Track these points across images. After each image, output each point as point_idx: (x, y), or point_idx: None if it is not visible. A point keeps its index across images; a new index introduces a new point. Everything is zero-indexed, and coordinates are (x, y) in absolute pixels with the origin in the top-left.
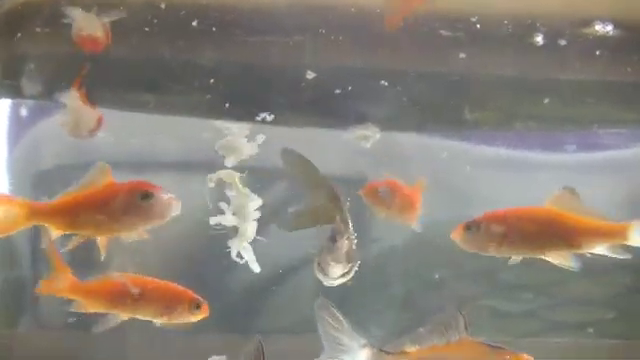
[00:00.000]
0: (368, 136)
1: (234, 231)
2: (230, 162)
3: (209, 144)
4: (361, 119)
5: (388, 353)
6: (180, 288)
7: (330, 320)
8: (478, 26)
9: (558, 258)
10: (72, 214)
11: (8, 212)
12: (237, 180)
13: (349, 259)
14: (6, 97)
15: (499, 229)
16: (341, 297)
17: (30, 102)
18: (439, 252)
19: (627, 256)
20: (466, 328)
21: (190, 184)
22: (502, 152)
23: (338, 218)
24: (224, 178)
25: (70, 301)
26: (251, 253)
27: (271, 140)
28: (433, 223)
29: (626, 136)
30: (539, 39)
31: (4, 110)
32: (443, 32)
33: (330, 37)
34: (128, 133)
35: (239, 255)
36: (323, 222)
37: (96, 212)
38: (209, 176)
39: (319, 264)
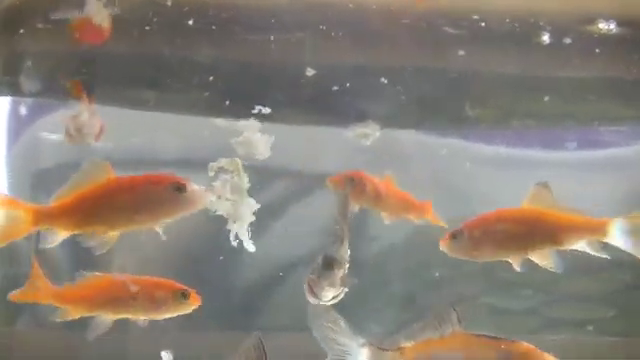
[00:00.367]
0: (368, 134)
1: (232, 216)
2: (247, 159)
3: (208, 141)
4: (361, 117)
5: (386, 350)
6: (162, 280)
7: (327, 323)
8: (479, 23)
9: (541, 258)
10: (87, 212)
11: (12, 217)
12: (240, 165)
13: (342, 284)
14: (6, 94)
15: (483, 234)
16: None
17: (30, 100)
18: (439, 250)
19: (605, 255)
20: (459, 322)
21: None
22: (502, 150)
23: (338, 245)
24: (225, 166)
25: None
26: (246, 234)
27: (273, 138)
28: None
29: (627, 133)
30: (540, 37)
31: (4, 107)
32: (444, 29)
33: (330, 34)
34: (127, 131)
35: (237, 237)
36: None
37: (118, 207)
38: (210, 165)
39: (310, 286)
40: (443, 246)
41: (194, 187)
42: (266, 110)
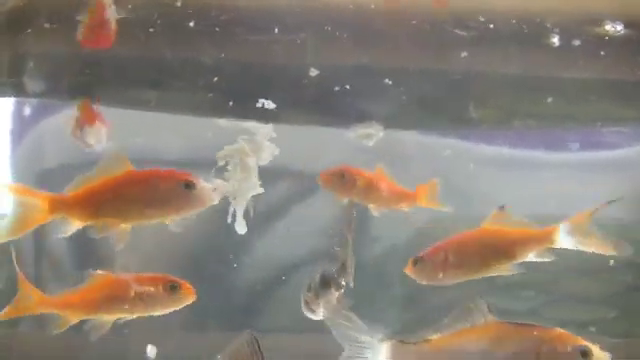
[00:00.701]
0: (371, 134)
1: (233, 193)
2: (260, 161)
3: (211, 142)
4: (364, 117)
5: (409, 343)
6: (150, 275)
7: (343, 321)
8: (482, 24)
9: (500, 271)
10: (101, 202)
11: (29, 205)
12: (246, 147)
13: (339, 301)
14: (11, 95)
15: (442, 258)
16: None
17: (34, 100)
18: None
19: (552, 258)
20: (490, 311)
21: None
22: (505, 150)
23: (341, 266)
24: (232, 152)
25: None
26: (241, 215)
27: (274, 138)
28: (435, 220)
29: (629, 134)
30: (542, 37)
31: (9, 108)
32: (447, 30)
33: (334, 35)
34: (130, 131)
35: (233, 215)
36: None
37: (130, 199)
38: (217, 154)
39: (307, 303)
40: (408, 272)
41: (203, 185)
42: (269, 104)
